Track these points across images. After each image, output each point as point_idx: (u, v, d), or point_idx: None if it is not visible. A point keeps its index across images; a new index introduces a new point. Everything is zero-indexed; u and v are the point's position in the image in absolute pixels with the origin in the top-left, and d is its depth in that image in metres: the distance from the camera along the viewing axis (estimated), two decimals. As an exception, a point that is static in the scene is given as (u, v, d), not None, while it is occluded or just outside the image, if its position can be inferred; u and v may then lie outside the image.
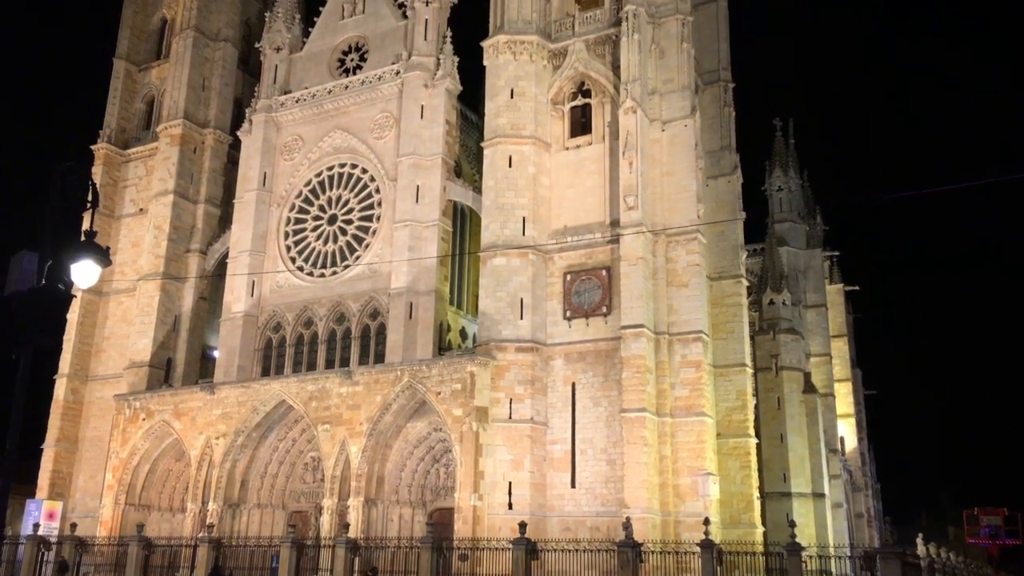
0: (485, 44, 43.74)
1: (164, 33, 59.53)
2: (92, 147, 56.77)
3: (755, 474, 42.16)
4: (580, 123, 42.90)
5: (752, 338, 47.83)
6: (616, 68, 41.48)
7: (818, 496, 50.20)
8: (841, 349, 70.19)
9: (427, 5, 48.36)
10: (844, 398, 69.45)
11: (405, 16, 49.51)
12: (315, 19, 53.34)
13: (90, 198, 10.53)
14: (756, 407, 47.01)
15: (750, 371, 43.80)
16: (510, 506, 36.79)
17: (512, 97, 42.42)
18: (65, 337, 51.07)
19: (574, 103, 43.15)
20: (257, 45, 54.56)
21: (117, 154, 57.01)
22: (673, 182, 40.41)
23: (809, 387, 53.24)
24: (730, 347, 42.71)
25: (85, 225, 10.53)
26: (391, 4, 50.76)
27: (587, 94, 42.90)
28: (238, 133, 53.04)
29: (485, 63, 43.79)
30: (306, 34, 53.47)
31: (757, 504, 41.70)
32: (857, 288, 76.02)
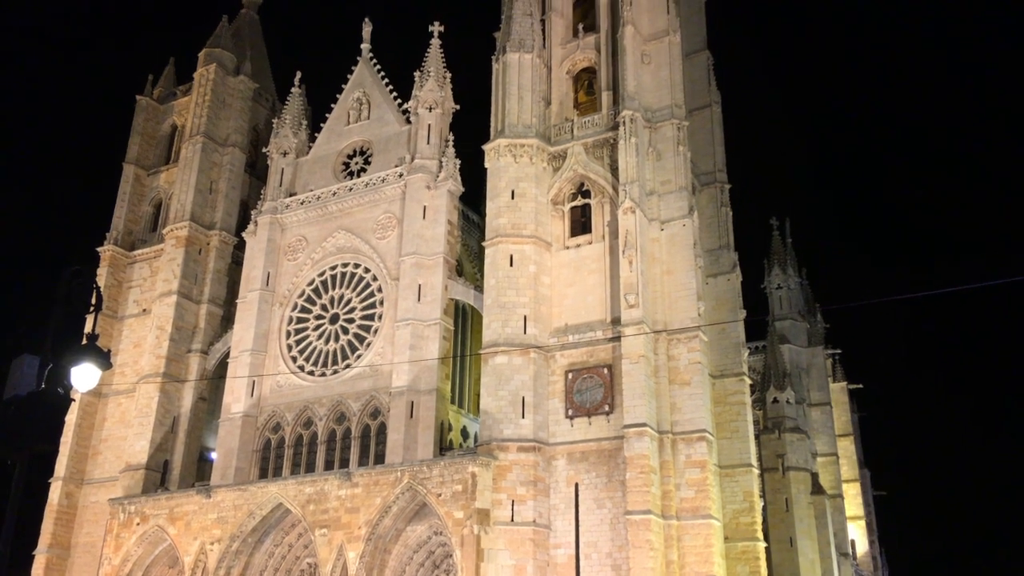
0: (486, 147, 44.86)
1: (174, 139, 61.25)
2: (99, 249, 57.63)
3: (765, 579, 40.91)
4: (580, 223, 43.58)
5: (757, 437, 47.20)
6: (615, 170, 42.40)
7: (831, 602, 48.56)
8: (848, 448, 69.12)
9: (430, 111, 49.86)
10: (853, 499, 67.95)
11: (409, 121, 50.99)
12: (321, 124, 54.94)
13: (94, 301, 10.59)
14: (763, 509, 45.97)
15: (756, 471, 43.06)
16: (513, 614, 35.57)
17: (513, 198, 43.23)
18: (62, 439, 50.38)
19: (574, 203, 43.92)
20: (264, 150, 55.98)
21: (123, 255, 57.75)
22: (673, 280, 40.74)
23: (817, 488, 52.21)
24: (735, 447, 42.13)
25: (87, 327, 10.55)
26: (395, 110, 52.36)
27: (587, 195, 43.71)
28: (243, 234, 53.83)
29: (486, 165, 44.80)
30: (312, 139, 54.96)
31: (768, 611, 40.32)
32: (861, 386, 75.46)
